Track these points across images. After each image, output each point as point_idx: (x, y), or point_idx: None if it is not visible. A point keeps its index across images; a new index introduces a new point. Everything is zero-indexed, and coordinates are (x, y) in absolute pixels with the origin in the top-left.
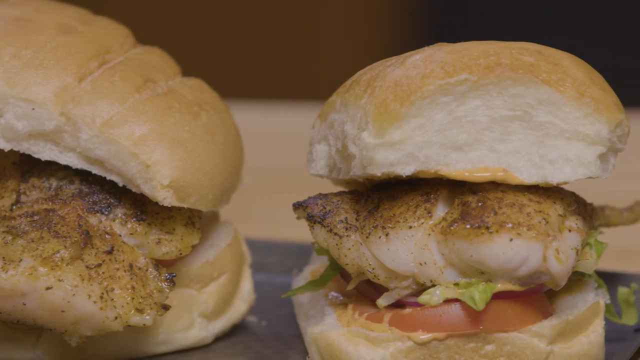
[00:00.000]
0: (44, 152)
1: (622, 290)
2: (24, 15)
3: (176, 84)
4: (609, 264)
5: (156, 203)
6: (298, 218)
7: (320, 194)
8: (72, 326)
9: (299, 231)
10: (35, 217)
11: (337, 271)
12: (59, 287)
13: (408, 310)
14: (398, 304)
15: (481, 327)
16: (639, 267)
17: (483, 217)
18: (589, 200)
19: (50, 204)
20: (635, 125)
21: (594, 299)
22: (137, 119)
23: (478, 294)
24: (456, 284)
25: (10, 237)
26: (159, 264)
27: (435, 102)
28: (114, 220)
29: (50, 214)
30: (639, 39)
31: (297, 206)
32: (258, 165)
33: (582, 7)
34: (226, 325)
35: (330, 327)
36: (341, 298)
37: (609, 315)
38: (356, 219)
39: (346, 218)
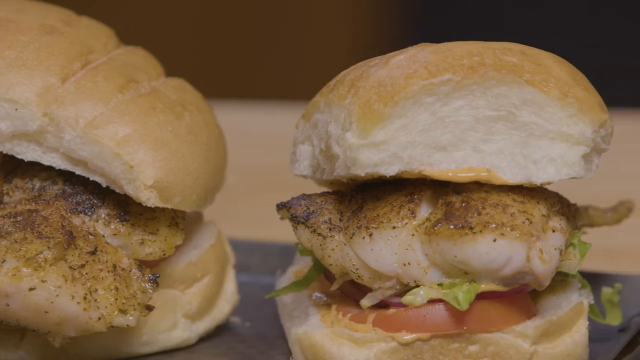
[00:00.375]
0: (27, 152)
1: (606, 291)
2: (6, 16)
3: (159, 85)
4: (592, 264)
5: (140, 204)
6: (282, 218)
7: (303, 194)
8: (56, 327)
9: (283, 231)
10: (19, 218)
11: (320, 272)
12: (43, 287)
13: (392, 310)
14: (382, 305)
15: (465, 328)
16: (623, 267)
17: (467, 217)
18: (572, 201)
19: (33, 204)
20: (625, 126)
21: (577, 299)
22: (121, 120)
23: (462, 295)
24: (440, 285)
25: None
26: (142, 264)
27: (419, 102)
28: (97, 221)
29: (34, 215)
30: (639, 39)
31: (281, 207)
32: (242, 165)
33: (582, 7)
34: (210, 326)
35: (314, 327)
36: (325, 298)
37: (592, 315)
38: (340, 220)
39: (330, 218)
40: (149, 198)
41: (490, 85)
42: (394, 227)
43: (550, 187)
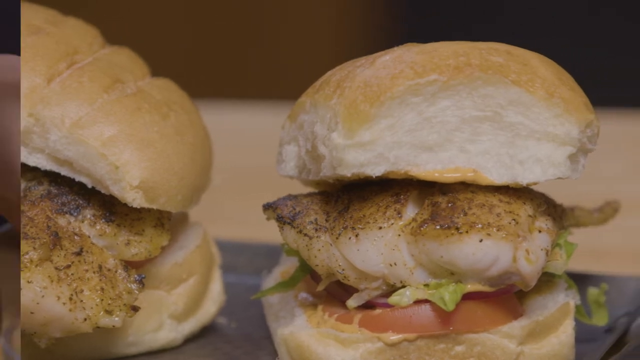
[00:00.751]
0: None
1: (592, 291)
2: None
3: (145, 85)
4: (579, 265)
5: (125, 204)
6: (268, 219)
7: (290, 194)
8: (42, 327)
9: (269, 232)
10: None
11: (306, 272)
12: (28, 288)
13: (378, 311)
14: (368, 305)
15: (451, 328)
16: (609, 267)
17: (453, 217)
18: (559, 201)
19: None
20: (611, 126)
21: (564, 299)
22: (106, 120)
23: (448, 295)
24: (426, 285)
25: None
26: (128, 265)
27: (405, 102)
28: (82, 222)
29: None
30: (639, 39)
31: (267, 207)
32: (228, 165)
33: (582, 7)
34: (196, 327)
35: (300, 328)
36: (311, 299)
37: (579, 315)
38: (326, 220)
39: (316, 219)
40: (134, 199)
41: (477, 86)
42: (380, 228)
43: (536, 188)
